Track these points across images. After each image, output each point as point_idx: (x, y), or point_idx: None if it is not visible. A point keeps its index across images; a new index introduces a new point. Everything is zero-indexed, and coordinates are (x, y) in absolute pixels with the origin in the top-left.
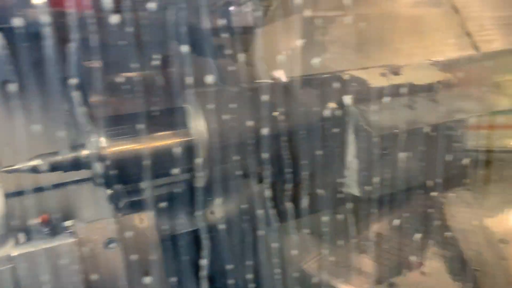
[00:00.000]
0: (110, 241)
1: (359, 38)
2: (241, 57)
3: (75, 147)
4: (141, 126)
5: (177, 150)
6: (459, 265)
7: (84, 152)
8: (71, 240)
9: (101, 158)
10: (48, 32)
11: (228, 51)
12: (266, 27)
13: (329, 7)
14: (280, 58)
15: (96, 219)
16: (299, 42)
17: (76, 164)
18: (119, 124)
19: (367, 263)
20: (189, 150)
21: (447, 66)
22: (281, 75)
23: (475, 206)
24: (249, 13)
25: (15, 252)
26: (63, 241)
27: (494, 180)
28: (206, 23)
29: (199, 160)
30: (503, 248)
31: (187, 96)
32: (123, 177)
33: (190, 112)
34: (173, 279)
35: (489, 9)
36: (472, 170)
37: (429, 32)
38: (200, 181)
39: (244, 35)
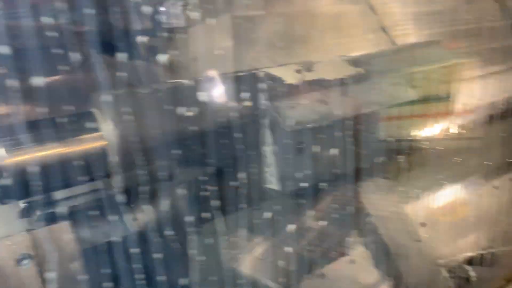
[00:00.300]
0: (23, 257)
1: (280, 37)
2: (164, 57)
3: None
4: (46, 133)
5: (87, 156)
6: (380, 251)
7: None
8: None
9: (3, 171)
10: None
11: (150, 52)
12: (191, 28)
13: (252, 7)
14: (204, 57)
15: (6, 235)
16: (222, 42)
17: None
18: (22, 132)
19: (293, 256)
20: (101, 155)
21: (359, 61)
22: (212, 74)
23: (392, 194)
24: (175, 14)
25: None
26: None
27: (408, 168)
28: (130, 24)
29: (111, 166)
30: (420, 231)
31: (97, 100)
32: (31, 188)
33: (99, 116)
34: None
35: (404, 5)
36: (387, 159)
37: (347, 29)
38: (116, 188)
39: (171, 35)
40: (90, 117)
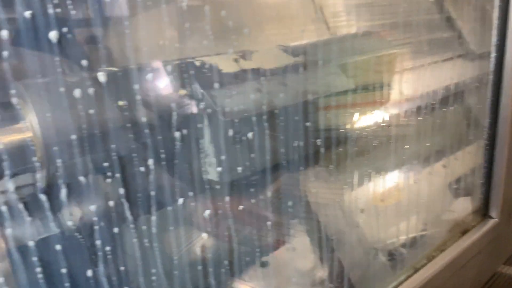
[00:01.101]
0: None
1: (218, 26)
2: (103, 45)
3: None
4: None
5: (8, 150)
6: (319, 237)
7: None
8: None
9: None
10: None
11: (90, 41)
12: (131, 17)
13: None
14: (144, 46)
15: None
16: (163, 31)
17: None
18: None
19: (235, 247)
20: (25, 149)
21: (297, 50)
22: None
23: (331, 182)
24: (117, 2)
25: None
26: None
27: (346, 156)
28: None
29: (36, 159)
30: (359, 217)
31: (19, 90)
32: None
33: (21, 107)
34: None
35: None
36: (325, 148)
37: (287, 19)
38: (42, 182)
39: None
40: (13, 107)
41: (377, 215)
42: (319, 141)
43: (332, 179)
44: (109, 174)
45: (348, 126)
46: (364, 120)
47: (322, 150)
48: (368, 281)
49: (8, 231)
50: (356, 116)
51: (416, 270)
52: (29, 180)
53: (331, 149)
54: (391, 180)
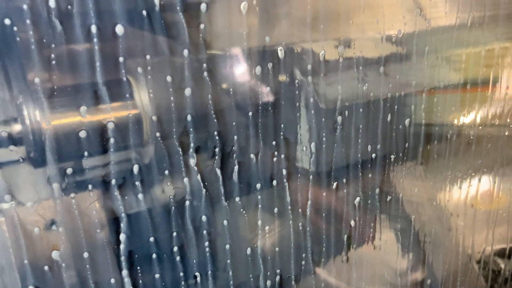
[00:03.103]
0: (51, 222)
1: (312, 12)
2: (193, 30)
3: (6, 121)
4: (82, 98)
5: (122, 125)
6: (410, 237)
7: (17, 127)
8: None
9: (37, 134)
10: None
11: (179, 26)
12: (217, 2)
13: None
14: (233, 32)
15: (36, 200)
16: (251, 17)
17: (7, 141)
18: (56, 96)
19: (319, 238)
20: (135, 124)
21: (399, 40)
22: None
23: (425, 180)
24: None
25: None
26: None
27: (444, 155)
28: None
29: (145, 135)
30: (452, 220)
31: (131, 68)
32: (64, 154)
33: (134, 84)
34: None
35: None
36: (423, 144)
37: (382, 7)
38: (146, 157)
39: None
40: (127, 85)
41: (473, 219)
42: (416, 136)
43: (427, 177)
44: (209, 154)
45: (449, 122)
46: (468, 116)
47: (420, 146)
48: None
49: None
50: (458, 112)
51: None
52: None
53: (430, 146)
54: (490, 183)
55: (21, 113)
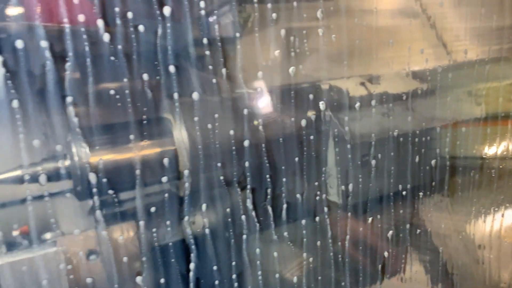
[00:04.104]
0: (90, 252)
1: (337, 49)
2: (221, 67)
3: (57, 157)
4: (124, 135)
5: (160, 160)
6: (438, 270)
7: (66, 162)
8: (54, 249)
9: (84, 168)
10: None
11: (207, 62)
12: (245, 38)
13: (306, 19)
14: (259, 68)
15: (77, 231)
16: (277, 53)
17: (58, 175)
18: (102, 134)
19: (344, 270)
20: (171, 159)
21: (423, 75)
22: (260, 86)
23: (452, 212)
24: (228, 24)
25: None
26: (46, 251)
27: (470, 186)
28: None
29: (181, 170)
30: (480, 252)
31: (169, 107)
32: (105, 187)
33: (172, 122)
34: None
35: (464, 20)
36: (449, 176)
37: (406, 43)
38: (182, 191)
39: (223, 46)
40: (165, 122)
41: (501, 251)
42: (442, 169)
43: (454, 209)
44: (241, 186)
45: (474, 155)
46: (491, 149)
47: (446, 178)
48: None
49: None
50: (483, 144)
51: None
52: (169, 187)
53: (456, 178)
54: None
55: (70, 150)
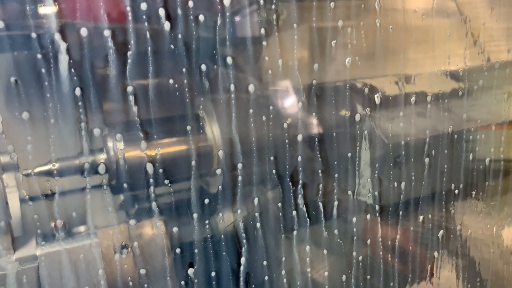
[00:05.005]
0: (122, 247)
1: (370, 48)
2: (251, 66)
3: (91, 151)
4: (156, 131)
5: (192, 156)
6: (471, 275)
7: (101, 157)
8: (91, 241)
9: (118, 163)
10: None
11: (238, 60)
12: (275, 37)
13: (338, 17)
14: (290, 67)
15: (109, 225)
16: (308, 52)
17: (92, 169)
18: (136, 129)
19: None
20: (204, 156)
21: (459, 75)
22: (290, 85)
23: (487, 216)
24: (257, 23)
25: (39, 252)
26: (84, 242)
27: (506, 190)
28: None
29: (213, 167)
30: None
31: (202, 104)
32: (137, 182)
33: (205, 119)
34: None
35: (499, 20)
36: (484, 179)
37: (440, 42)
38: (213, 188)
39: (253, 45)
40: (197, 119)
41: None
42: (477, 172)
43: (489, 213)
44: (271, 185)
45: (509, 158)
46: None
47: (481, 181)
48: None
49: (173, 229)
50: None
51: None
52: (201, 184)
53: (492, 182)
54: None
55: (106, 144)
